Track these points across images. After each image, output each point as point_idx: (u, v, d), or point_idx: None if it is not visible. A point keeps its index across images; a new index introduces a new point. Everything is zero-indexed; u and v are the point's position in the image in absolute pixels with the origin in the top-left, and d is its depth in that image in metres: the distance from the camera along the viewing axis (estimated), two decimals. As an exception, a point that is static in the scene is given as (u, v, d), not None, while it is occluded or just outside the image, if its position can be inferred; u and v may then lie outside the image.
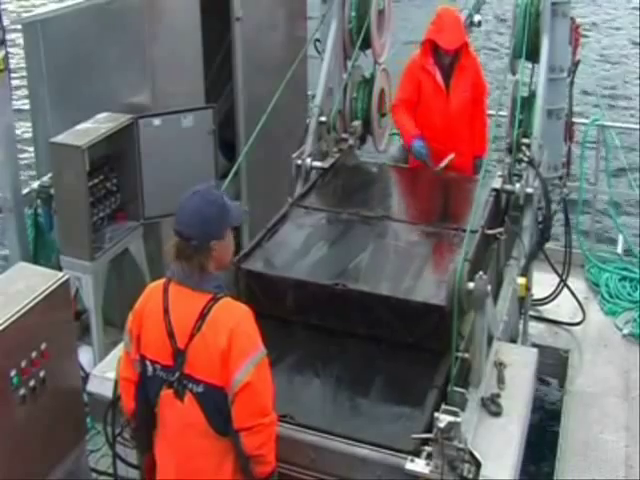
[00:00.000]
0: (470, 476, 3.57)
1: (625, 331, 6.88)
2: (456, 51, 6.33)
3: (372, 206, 5.46)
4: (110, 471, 4.28)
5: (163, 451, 3.67)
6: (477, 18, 20.32)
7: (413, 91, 6.50)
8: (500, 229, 5.09)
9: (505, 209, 5.65)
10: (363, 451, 3.73)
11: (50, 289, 3.96)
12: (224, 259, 3.65)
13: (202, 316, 3.46)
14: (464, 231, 4.64)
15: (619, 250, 7.88)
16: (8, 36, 5.92)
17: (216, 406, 3.47)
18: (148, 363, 3.59)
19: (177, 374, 3.51)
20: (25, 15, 7.40)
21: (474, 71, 6.51)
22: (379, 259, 4.82)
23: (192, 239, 3.48)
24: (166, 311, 3.52)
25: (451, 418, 3.50)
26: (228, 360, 3.40)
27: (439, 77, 6.40)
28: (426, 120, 6.52)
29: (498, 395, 4.13)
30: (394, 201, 5.92)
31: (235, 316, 3.49)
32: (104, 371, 4.17)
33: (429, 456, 3.59)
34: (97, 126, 5.95)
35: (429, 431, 3.62)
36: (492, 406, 4.07)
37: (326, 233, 5.12)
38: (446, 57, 6.37)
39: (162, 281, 3.62)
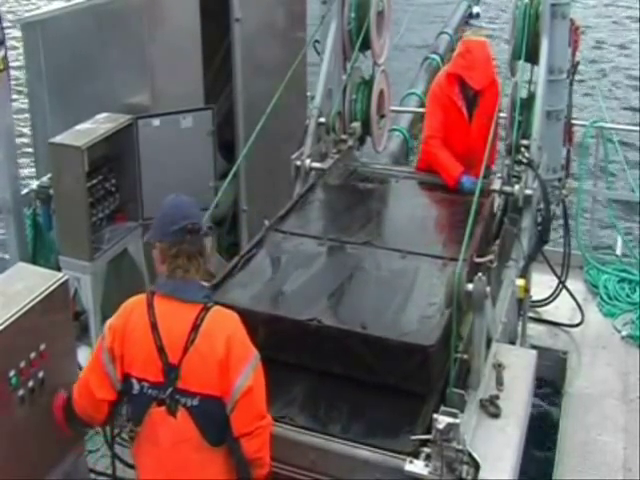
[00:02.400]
0: (469, 478, 3.57)
1: (624, 333, 6.89)
2: None
3: (354, 231, 5.16)
4: (109, 471, 4.28)
5: (153, 468, 3.61)
6: (476, 10, 20.47)
7: (441, 123, 6.30)
8: (490, 257, 4.78)
9: (504, 210, 5.66)
10: (362, 453, 3.73)
11: (49, 289, 3.95)
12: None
13: (195, 327, 3.43)
14: (451, 260, 4.48)
15: (618, 252, 7.89)
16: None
17: (211, 417, 3.46)
18: (134, 381, 3.53)
19: (169, 390, 3.46)
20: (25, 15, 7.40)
21: (496, 98, 6.29)
22: (359, 291, 4.54)
23: (202, 228, 3.56)
24: (154, 326, 3.46)
25: (450, 420, 3.50)
26: (228, 368, 3.39)
27: (464, 108, 6.25)
28: (446, 145, 6.34)
29: (497, 397, 4.14)
30: (379, 225, 5.45)
31: (229, 324, 3.49)
32: (103, 372, 4.15)
33: (428, 457, 3.59)
34: (96, 126, 5.95)
35: (428, 433, 3.62)
36: (491, 408, 4.07)
37: (303, 261, 4.79)
38: (471, 89, 6.22)
39: (142, 297, 3.57)
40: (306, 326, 4.12)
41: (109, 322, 3.62)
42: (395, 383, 3.98)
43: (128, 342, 3.52)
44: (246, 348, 3.47)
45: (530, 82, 6.16)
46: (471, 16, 20.03)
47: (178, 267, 3.51)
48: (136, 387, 3.53)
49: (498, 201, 5.70)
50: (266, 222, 5.13)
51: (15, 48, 8.25)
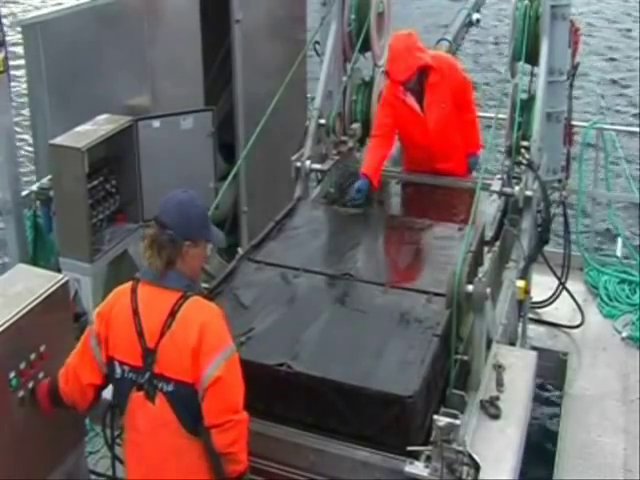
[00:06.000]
0: (469, 479, 3.57)
1: (624, 334, 6.89)
2: (419, 73, 6.02)
3: (334, 261, 4.83)
4: (109, 473, 4.28)
5: (134, 454, 3.66)
6: (475, 16, 20.39)
7: (390, 121, 6.23)
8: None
9: (504, 212, 5.66)
10: (362, 454, 3.73)
11: (49, 291, 3.95)
12: (193, 268, 3.67)
13: (172, 314, 3.48)
14: (436, 295, 4.29)
15: (618, 253, 7.89)
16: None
17: (187, 404, 3.48)
18: (117, 364, 3.59)
19: (147, 375, 3.51)
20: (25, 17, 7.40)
21: (450, 81, 6.17)
22: (334, 332, 4.16)
23: (168, 228, 3.54)
24: (135, 312, 3.54)
25: (450, 420, 3.50)
26: (198, 356, 3.41)
27: (410, 100, 6.12)
28: (409, 141, 6.42)
29: (497, 398, 4.13)
30: (360, 255, 4.98)
31: (205, 313, 3.51)
32: (103, 373, 4.15)
33: (428, 459, 3.59)
34: (96, 128, 5.94)
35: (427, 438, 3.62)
36: (491, 409, 4.07)
37: (276, 297, 4.45)
38: (411, 82, 6.05)
39: (129, 284, 3.65)
40: (275, 372, 3.83)
41: (97, 309, 3.72)
42: (371, 435, 3.73)
43: (112, 326, 3.60)
44: (220, 338, 3.48)
45: (530, 83, 6.17)
46: (471, 23, 19.94)
47: (144, 252, 3.59)
48: (118, 371, 3.59)
49: (498, 202, 5.71)
50: (239, 250, 4.94)
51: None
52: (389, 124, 6.23)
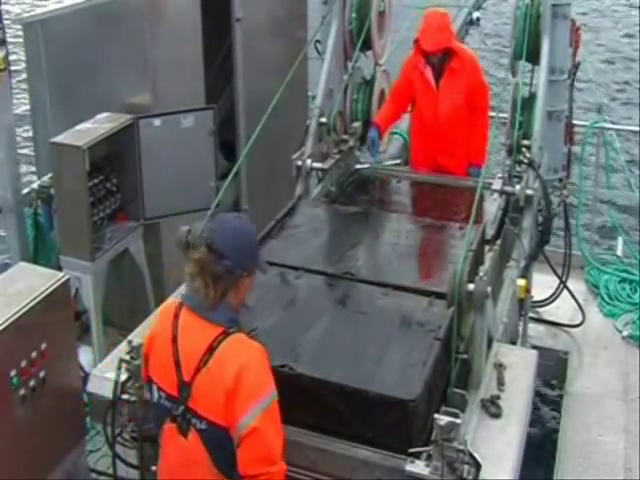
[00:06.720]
0: (470, 478, 3.56)
1: (624, 333, 6.90)
2: (443, 53, 6.35)
3: (334, 260, 4.77)
4: (110, 471, 4.28)
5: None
6: (476, 15, 20.29)
7: (404, 87, 6.62)
8: None
9: (505, 211, 5.66)
10: (363, 452, 3.72)
11: (50, 289, 3.96)
12: (241, 299, 3.52)
13: (210, 350, 3.29)
14: (438, 296, 4.27)
15: (619, 252, 7.89)
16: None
17: (219, 445, 3.32)
18: (155, 388, 3.49)
19: (181, 408, 3.37)
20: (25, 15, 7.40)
21: (469, 76, 6.41)
22: (336, 334, 4.11)
23: (225, 258, 3.33)
24: (174, 339, 3.38)
25: (451, 419, 3.49)
26: (234, 400, 3.22)
27: (429, 74, 6.44)
28: (418, 116, 6.69)
29: (498, 397, 4.13)
30: (361, 254, 4.91)
31: (245, 353, 3.30)
32: (104, 371, 4.13)
33: (429, 457, 3.58)
34: (97, 126, 5.95)
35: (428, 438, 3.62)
36: (492, 408, 4.06)
37: (277, 297, 4.39)
38: (434, 57, 6.39)
39: (174, 304, 3.48)
40: (276, 373, 3.66)
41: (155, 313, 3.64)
42: (372, 438, 3.69)
43: (153, 348, 3.50)
44: (259, 384, 3.28)
45: (531, 82, 6.18)
46: (472, 22, 19.91)
47: (191, 278, 3.38)
48: (156, 395, 3.49)
49: (499, 201, 5.71)
50: None
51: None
52: (403, 92, 6.62)
